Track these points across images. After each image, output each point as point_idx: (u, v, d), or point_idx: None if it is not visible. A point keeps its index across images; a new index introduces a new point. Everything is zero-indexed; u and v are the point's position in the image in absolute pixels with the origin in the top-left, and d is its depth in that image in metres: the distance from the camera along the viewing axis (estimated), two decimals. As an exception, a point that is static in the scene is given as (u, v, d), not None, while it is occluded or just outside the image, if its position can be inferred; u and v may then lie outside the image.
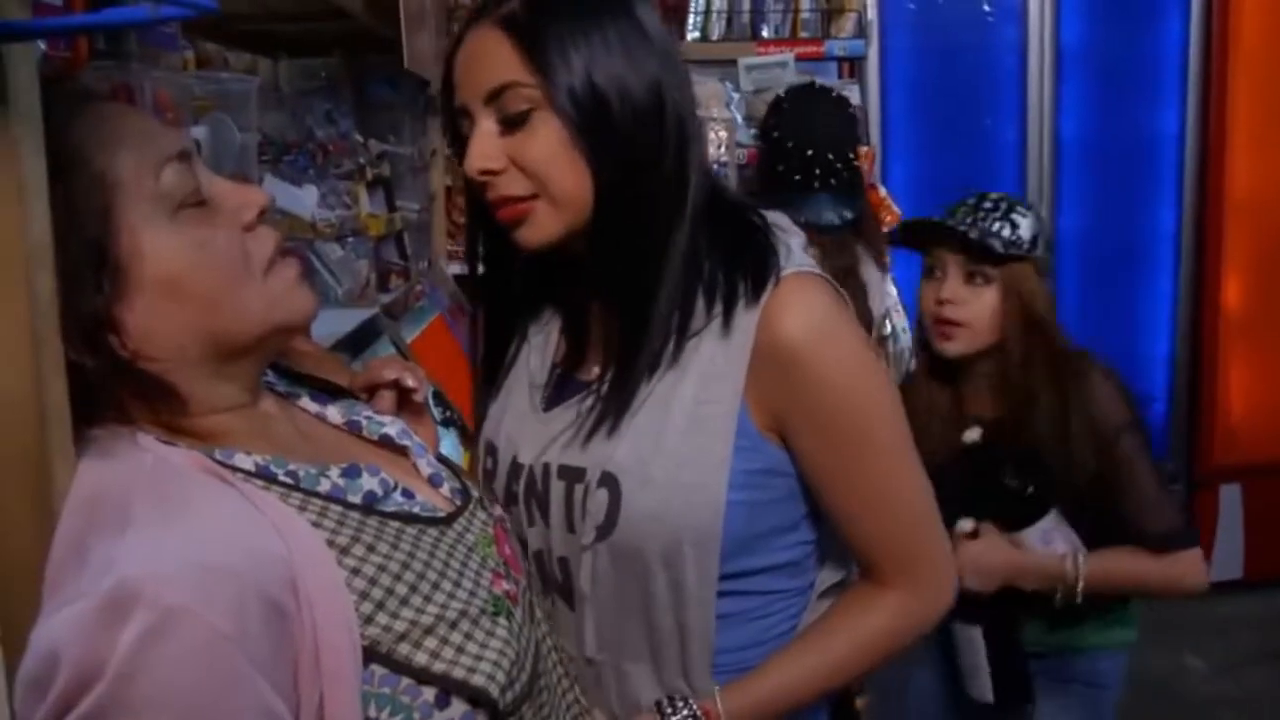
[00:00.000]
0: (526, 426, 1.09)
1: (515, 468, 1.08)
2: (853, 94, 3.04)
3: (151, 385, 0.78)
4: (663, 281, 1.00)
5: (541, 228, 1.01)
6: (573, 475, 1.03)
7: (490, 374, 1.15)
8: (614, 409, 1.01)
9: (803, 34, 3.01)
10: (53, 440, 0.70)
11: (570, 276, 1.10)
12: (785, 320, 0.99)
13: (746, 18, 3.00)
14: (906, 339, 2.85)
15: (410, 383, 1.05)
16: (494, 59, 0.98)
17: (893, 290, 2.74)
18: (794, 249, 1.05)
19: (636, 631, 1.03)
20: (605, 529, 1.00)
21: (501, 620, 0.84)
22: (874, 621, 1.07)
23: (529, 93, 0.97)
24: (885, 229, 2.87)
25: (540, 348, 1.14)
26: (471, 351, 1.20)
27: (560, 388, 1.11)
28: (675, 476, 0.99)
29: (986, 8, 3.68)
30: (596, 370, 1.08)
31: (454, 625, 0.80)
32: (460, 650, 0.80)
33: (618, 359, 1.03)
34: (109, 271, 0.75)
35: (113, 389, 0.78)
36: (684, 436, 0.99)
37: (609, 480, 1.00)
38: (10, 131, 0.65)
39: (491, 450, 1.12)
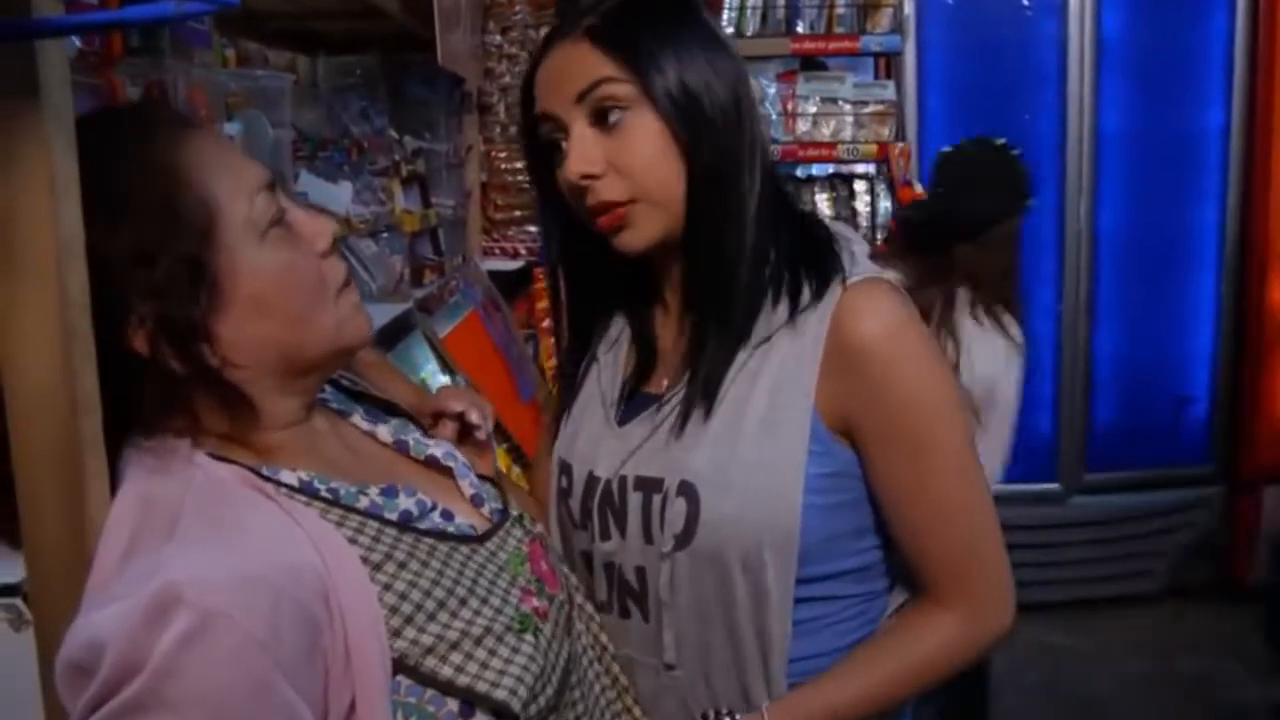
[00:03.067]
0: (602, 442, 1.10)
1: (591, 482, 1.09)
2: (887, 90, 3.03)
3: (231, 394, 0.84)
4: (741, 285, 1.02)
5: (643, 231, 1.02)
6: (650, 486, 1.04)
7: (566, 396, 1.17)
8: (688, 415, 1.02)
9: (838, 29, 2.98)
10: (83, 431, 0.72)
11: (640, 288, 1.12)
12: (857, 322, 1.00)
13: (781, 13, 2.98)
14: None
15: (474, 419, 1.11)
16: (584, 65, 1.00)
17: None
18: (859, 256, 1.06)
19: (718, 638, 1.03)
20: (684, 537, 1.01)
21: (527, 637, 0.88)
22: (928, 641, 1.05)
23: (624, 89, 0.99)
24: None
25: (611, 365, 1.15)
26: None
27: (632, 402, 1.11)
28: (752, 482, 0.99)
29: (1025, 2, 3.63)
30: (666, 382, 1.09)
31: (479, 641, 0.84)
32: (484, 665, 0.83)
33: (696, 366, 1.04)
34: (207, 284, 0.80)
35: (191, 396, 0.83)
36: (759, 442, 1.00)
37: (687, 489, 1.01)
38: (42, 127, 0.67)
39: (566, 469, 1.13)
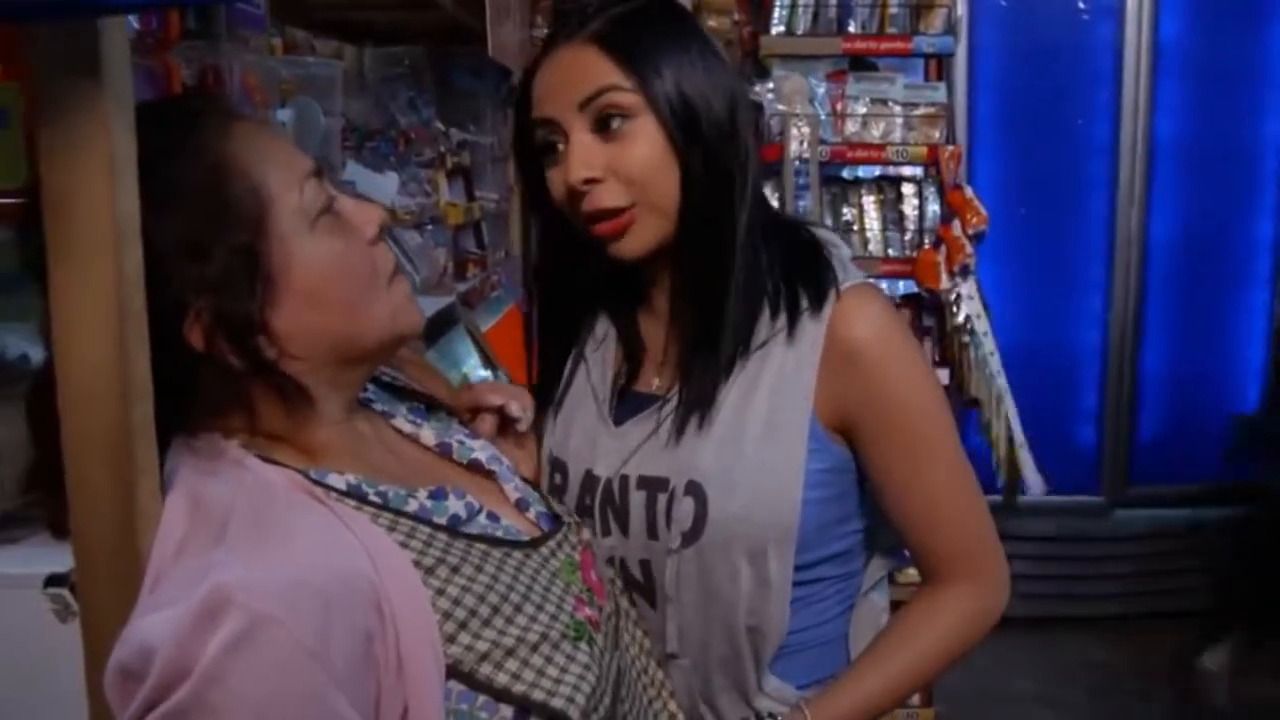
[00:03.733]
0: (598, 441, 1.12)
1: (589, 481, 1.11)
2: (938, 92, 2.98)
3: (289, 387, 0.82)
4: (733, 292, 1.05)
5: (640, 237, 1.04)
6: (654, 485, 1.07)
7: (546, 392, 1.18)
8: (691, 417, 1.06)
9: (890, 29, 2.93)
10: (135, 419, 0.70)
11: (625, 291, 1.15)
12: (853, 326, 1.05)
13: (833, 12, 2.93)
14: (989, 343, 2.78)
15: (514, 411, 1.10)
16: (588, 70, 1.01)
17: (975, 295, 2.66)
18: (847, 264, 1.11)
19: (718, 624, 1.07)
20: (692, 534, 1.05)
21: (582, 645, 0.86)
22: (946, 621, 1.11)
23: (627, 97, 1.00)
24: (971, 230, 2.81)
25: (600, 364, 1.17)
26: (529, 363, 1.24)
27: (625, 401, 1.14)
28: (757, 481, 1.04)
29: (1081, 4, 3.58)
30: (657, 382, 1.13)
31: (535, 648, 0.82)
32: (540, 673, 0.81)
33: (690, 369, 1.07)
34: (261, 277, 0.79)
35: (248, 391, 0.82)
36: (762, 444, 1.05)
37: (695, 488, 1.05)
38: (102, 105, 0.66)
39: (559, 466, 1.14)
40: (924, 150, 2.86)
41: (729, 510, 1.03)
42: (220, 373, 0.79)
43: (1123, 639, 3.55)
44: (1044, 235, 3.70)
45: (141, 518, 0.71)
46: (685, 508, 1.04)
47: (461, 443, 1.00)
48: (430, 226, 2.26)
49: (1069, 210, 3.70)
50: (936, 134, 2.91)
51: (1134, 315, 3.69)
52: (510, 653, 0.80)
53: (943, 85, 3.06)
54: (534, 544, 0.91)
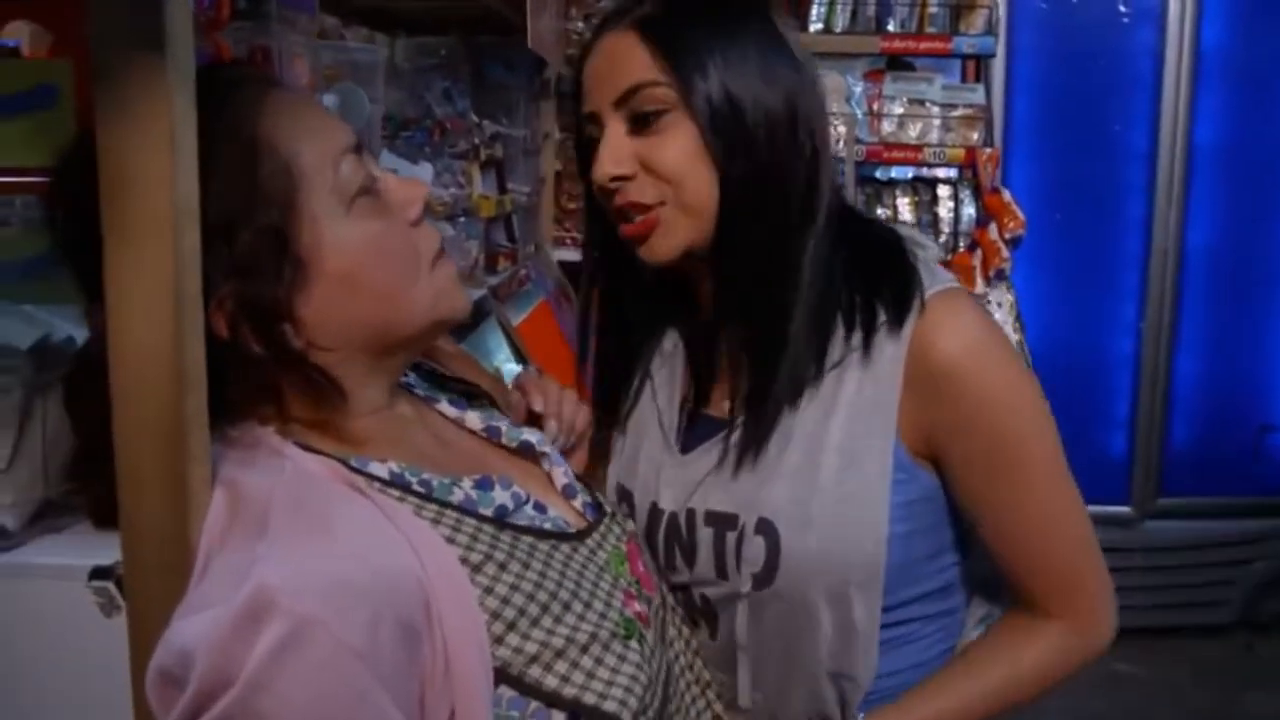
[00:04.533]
0: (665, 470, 1.05)
1: (655, 513, 1.04)
2: (976, 94, 2.95)
3: (318, 378, 0.78)
4: (796, 303, 0.96)
5: (668, 238, 0.97)
6: (723, 522, 0.99)
7: (610, 410, 1.11)
8: (758, 447, 0.98)
9: (929, 29, 2.90)
10: (188, 407, 0.68)
11: (691, 305, 1.07)
12: (938, 341, 0.95)
13: (872, 10, 2.90)
14: (1025, 353, 2.74)
15: (549, 431, 1.03)
16: (628, 62, 0.96)
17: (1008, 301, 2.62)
18: (934, 265, 1.02)
19: (798, 673, 1.00)
20: (764, 577, 0.97)
21: (633, 644, 0.82)
22: (1031, 653, 1.01)
23: (663, 93, 0.95)
24: (1008, 234, 2.78)
25: (666, 383, 1.09)
26: (579, 351, 1.17)
27: (693, 426, 1.06)
28: (835, 517, 0.95)
29: (1122, 8, 3.53)
30: (727, 404, 1.04)
31: (585, 649, 0.78)
32: (591, 675, 0.78)
33: (752, 391, 0.99)
34: (290, 261, 0.75)
35: (274, 382, 0.78)
36: (839, 475, 0.96)
37: (765, 526, 0.96)
38: (165, 79, 0.63)
39: (625, 495, 1.07)
40: (961, 152, 2.83)
41: (804, 550, 0.95)
42: (248, 361, 0.76)
43: (1152, 653, 3.51)
44: (1079, 240, 3.65)
45: (193, 507, 0.69)
46: (756, 547, 0.96)
47: (510, 425, 0.96)
48: (463, 219, 2.24)
49: (1105, 216, 3.64)
50: (975, 136, 2.88)
51: (1169, 323, 3.63)
52: (560, 654, 0.77)
53: (981, 87, 3.03)
54: (580, 536, 0.87)
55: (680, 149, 0.95)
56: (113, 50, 0.63)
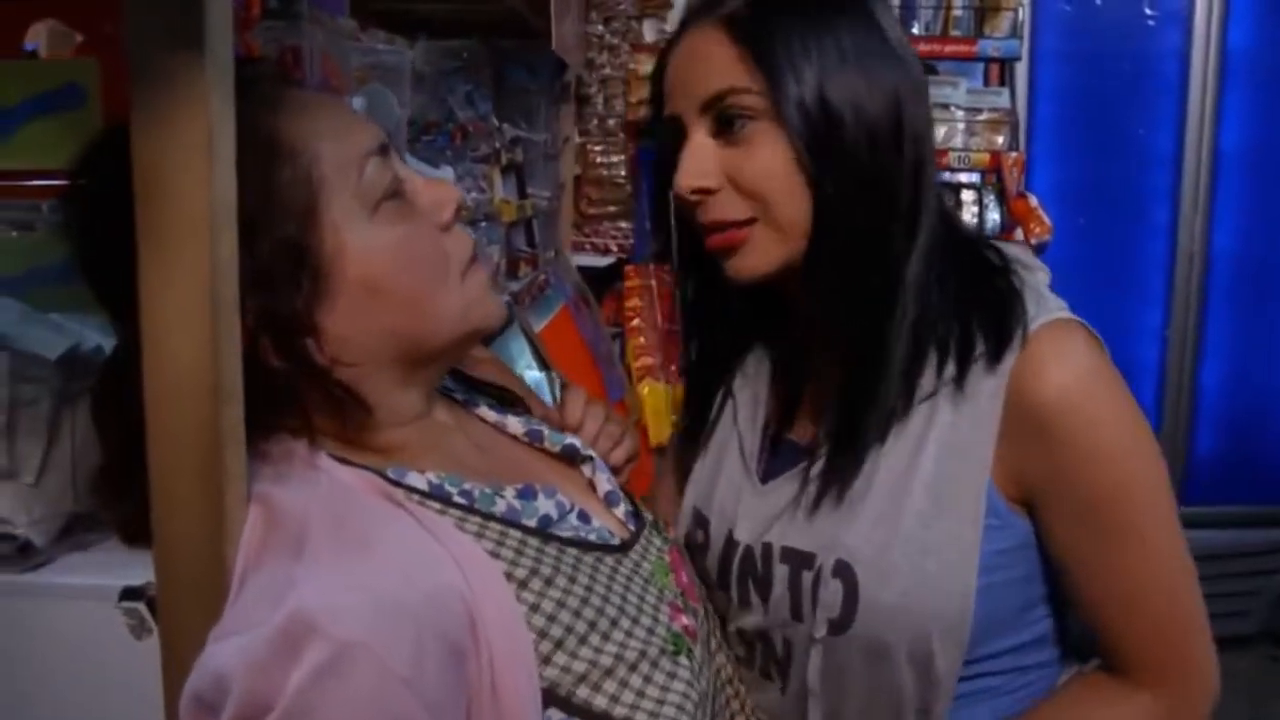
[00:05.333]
0: (743, 499, 0.99)
1: (730, 544, 0.98)
2: (1002, 98, 2.91)
3: (342, 394, 0.75)
4: (895, 330, 0.89)
5: (757, 257, 0.90)
6: (799, 560, 0.93)
7: (693, 429, 1.05)
8: (840, 483, 0.91)
9: (954, 32, 2.87)
10: (225, 420, 0.65)
11: (780, 322, 1.00)
12: (1042, 379, 0.86)
13: (896, 13, 2.86)
14: None
15: (603, 448, 0.97)
16: (714, 63, 0.88)
17: None
18: (1043, 290, 0.93)
19: None
20: (841, 623, 0.90)
21: (682, 660, 0.79)
22: (1120, 715, 0.93)
23: (751, 100, 0.87)
24: (1034, 240, 2.74)
25: (749, 405, 1.03)
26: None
27: (776, 454, 1.00)
28: (920, 564, 0.88)
29: (1148, 10, 3.49)
30: (811, 429, 0.97)
31: (634, 667, 0.75)
32: (641, 694, 0.74)
33: (840, 420, 0.92)
34: (309, 271, 0.72)
35: (298, 396, 0.74)
36: (927, 519, 0.88)
37: (843, 569, 0.89)
38: (204, 77, 0.60)
39: (702, 522, 1.01)
40: (986, 156, 2.79)
41: (883, 598, 0.88)
42: (269, 376, 0.72)
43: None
44: (1103, 245, 3.62)
45: (229, 525, 0.66)
46: (832, 591, 0.89)
47: (552, 429, 0.92)
48: (485, 224, 2.21)
49: (1129, 220, 3.61)
50: (1000, 140, 2.84)
51: (1194, 329, 3.60)
52: (609, 672, 0.73)
53: (1006, 91, 2.98)
54: (624, 547, 0.84)
55: (769, 161, 0.87)
56: (150, 46, 0.60)
